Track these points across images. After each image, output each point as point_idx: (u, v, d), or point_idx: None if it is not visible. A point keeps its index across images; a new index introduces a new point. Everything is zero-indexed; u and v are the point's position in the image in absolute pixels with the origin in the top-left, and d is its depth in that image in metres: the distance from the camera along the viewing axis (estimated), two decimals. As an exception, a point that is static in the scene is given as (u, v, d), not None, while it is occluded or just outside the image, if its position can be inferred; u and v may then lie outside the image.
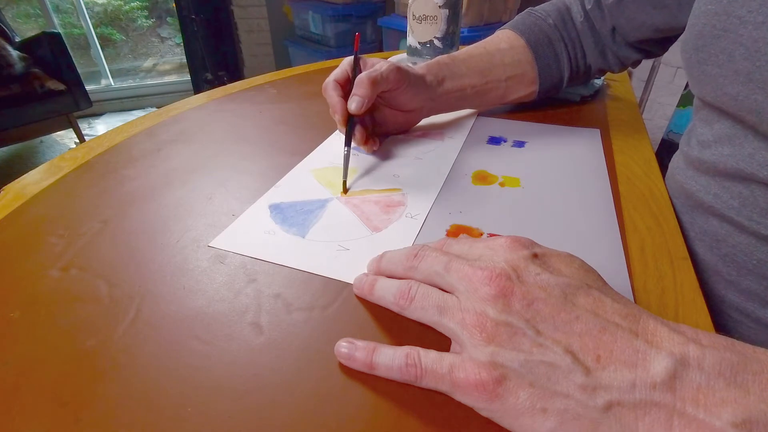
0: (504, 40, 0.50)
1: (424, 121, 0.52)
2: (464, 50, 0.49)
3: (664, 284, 0.27)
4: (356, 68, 0.43)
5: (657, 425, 0.16)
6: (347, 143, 0.40)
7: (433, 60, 0.46)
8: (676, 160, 0.43)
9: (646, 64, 1.81)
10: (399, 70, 0.41)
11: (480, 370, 0.18)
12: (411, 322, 0.23)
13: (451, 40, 0.67)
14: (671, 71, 1.82)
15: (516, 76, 0.49)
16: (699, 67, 0.34)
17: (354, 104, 0.39)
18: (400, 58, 0.75)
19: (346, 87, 0.42)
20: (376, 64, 0.42)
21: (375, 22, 2.09)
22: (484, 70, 0.48)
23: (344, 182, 0.37)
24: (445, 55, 0.47)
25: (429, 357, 0.20)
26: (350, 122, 0.40)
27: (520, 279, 0.20)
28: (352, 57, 0.44)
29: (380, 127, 0.46)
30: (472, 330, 0.19)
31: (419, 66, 0.45)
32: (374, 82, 0.39)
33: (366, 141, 0.42)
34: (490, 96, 0.49)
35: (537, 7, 0.52)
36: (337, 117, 0.41)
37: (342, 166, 0.38)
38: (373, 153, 0.43)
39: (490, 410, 0.18)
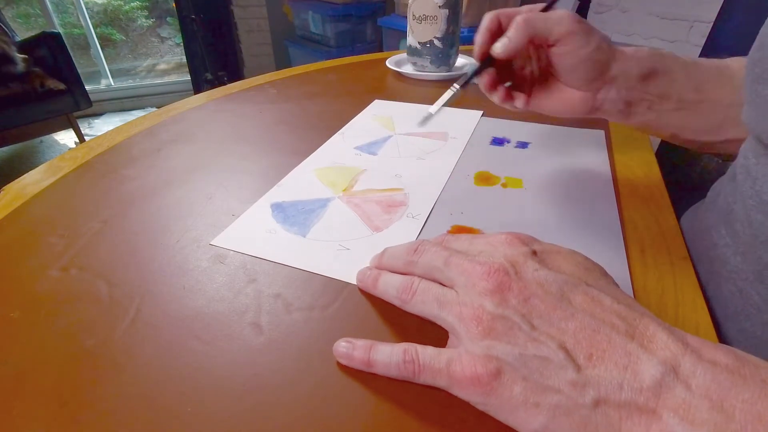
0: (734, 60, 0.37)
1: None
2: (689, 56, 0.36)
3: (664, 284, 0.27)
4: (544, 9, 0.34)
5: (637, 428, 0.16)
6: (462, 83, 0.34)
7: (647, 48, 0.35)
8: (714, 196, 0.34)
9: (646, 64, 1.81)
10: (578, 23, 0.31)
11: (476, 364, 0.18)
12: (410, 322, 0.23)
13: (451, 40, 0.67)
14: (671, 71, 1.81)
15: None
16: (752, 87, 0.28)
17: (498, 46, 0.32)
18: (399, 58, 0.75)
19: (506, 26, 0.34)
20: (559, 12, 0.32)
21: (375, 22, 2.08)
22: (703, 84, 0.34)
23: (429, 114, 0.35)
24: (667, 51, 0.35)
25: (426, 353, 0.20)
26: (485, 61, 0.34)
27: (518, 275, 0.20)
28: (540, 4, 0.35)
29: (536, 90, 0.36)
30: (469, 323, 0.19)
31: (631, 47, 0.34)
32: (529, 25, 0.31)
33: (494, 87, 0.35)
34: (695, 121, 0.35)
35: None
36: (475, 51, 0.34)
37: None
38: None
39: (486, 404, 0.18)
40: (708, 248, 0.31)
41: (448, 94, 0.35)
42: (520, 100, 0.36)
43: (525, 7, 0.34)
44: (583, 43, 0.31)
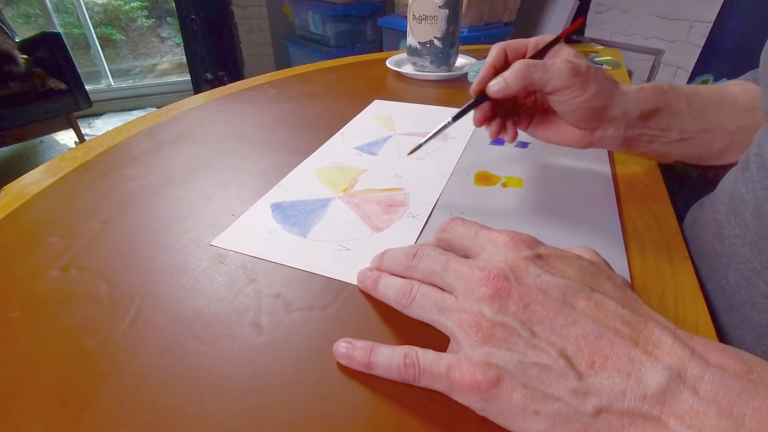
0: (734, 84, 0.38)
1: (427, 122, 0.52)
2: (691, 85, 0.38)
3: (664, 284, 0.27)
4: (546, 48, 0.35)
5: None
6: (456, 116, 0.35)
7: (650, 84, 0.36)
8: (725, 187, 0.34)
9: (646, 63, 1.81)
10: (575, 76, 0.31)
11: (475, 371, 0.18)
12: (410, 323, 0.23)
13: (451, 40, 0.67)
14: (671, 71, 1.82)
15: (749, 128, 0.35)
16: None
17: (494, 86, 0.32)
18: (399, 58, 0.75)
19: (512, 59, 0.35)
20: (563, 55, 0.34)
21: (375, 22, 2.08)
22: (705, 113, 0.36)
23: (417, 146, 0.35)
24: (666, 83, 0.36)
25: (427, 357, 0.20)
26: (479, 98, 0.34)
27: (518, 280, 0.19)
28: (546, 35, 0.36)
29: (536, 119, 0.38)
30: (469, 329, 0.19)
31: (634, 86, 0.35)
32: (526, 75, 0.31)
33: (485, 122, 0.35)
34: (699, 149, 0.36)
35: None
36: (473, 86, 0.35)
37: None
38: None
39: (486, 410, 0.18)
40: (714, 239, 0.31)
41: (440, 126, 0.35)
42: (508, 135, 0.37)
43: (533, 41, 0.35)
44: (579, 94, 0.32)
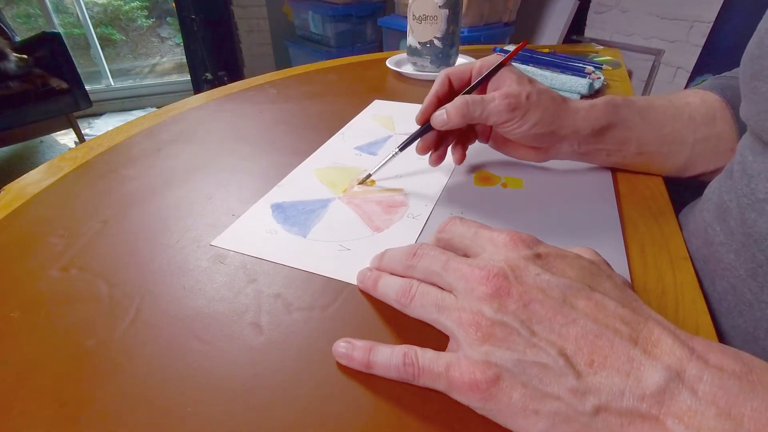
0: (692, 94, 0.38)
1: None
2: (644, 97, 0.38)
3: (664, 284, 0.27)
4: (488, 76, 0.35)
5: None
6: (402, 146, 0.37)
7: (603, 100, 0.36)
8: (711, 194, 0.34)
9: (646, 63, 1.81)
10: (512, 111, 0.32)
11: (474, 370, 0.18)
12: (411, 323, 0.23)
13: (451, 40, 0.67)
14: (671, 71, 1.82)
15: (709, 138, 0.36)
16: (750, 83, 0.29)
17: (437, 120, 0.34)
18: (399, 58, 0.75)
19: (458, 88, 0.37)
20: (504, 88, 0.33)
21: (375, 22, 2.08)
22: (662, 127, 0.36)
23: (368, 175, 0.38)
24: (621, 96, 0.36)
25: (426, 356, 0.20)
26: (423, 128, 0.36)
27: (518, 279, 0.19)
28: (491, 58, 0.35)
29: (494, 142, 0.39)
30: (468, 328, 0.19)
31: (585, 103, 0.35)
32: (465, 113, 0.33)
33: (425, 152, 0.37)
34: (663, 163, 0.37)
35: (726, 73, 0.40)
36: (417, 116, 0.36)
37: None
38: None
39: (485, 409, 0.18)
40: (702, 246, 0.32)
41: (388, 157, 0.37)
42: (456, 156, 0.38)
43: (477, 66, 0.36)
44: (520, 125, 0.34)
